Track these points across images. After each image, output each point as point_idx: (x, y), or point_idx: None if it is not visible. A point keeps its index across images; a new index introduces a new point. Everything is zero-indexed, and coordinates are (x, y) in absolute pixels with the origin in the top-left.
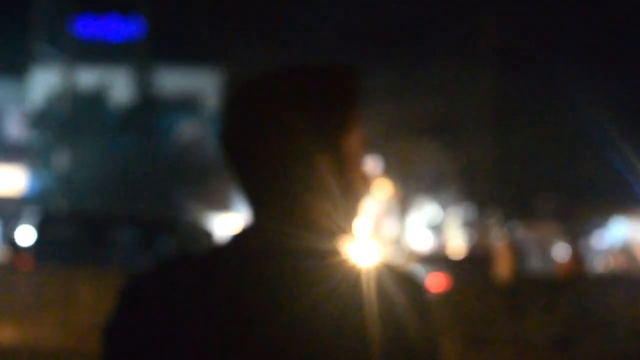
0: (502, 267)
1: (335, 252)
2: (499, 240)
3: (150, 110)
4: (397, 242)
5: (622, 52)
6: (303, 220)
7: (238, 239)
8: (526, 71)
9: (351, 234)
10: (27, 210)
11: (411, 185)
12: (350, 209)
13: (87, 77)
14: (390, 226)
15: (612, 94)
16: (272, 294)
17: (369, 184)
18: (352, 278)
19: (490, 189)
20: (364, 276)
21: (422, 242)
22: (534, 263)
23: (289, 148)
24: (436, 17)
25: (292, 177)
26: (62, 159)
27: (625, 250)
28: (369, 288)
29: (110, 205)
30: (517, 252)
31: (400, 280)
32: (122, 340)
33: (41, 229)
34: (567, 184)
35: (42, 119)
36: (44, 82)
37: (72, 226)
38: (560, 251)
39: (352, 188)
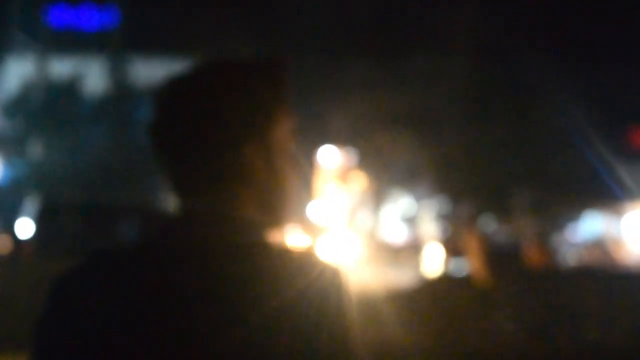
0: (474, 261)
1: (262, 245)
2: (469, 234)
3: (124, 100)
4: (371, 234)
5: (598, 47)
6: (230, 210)
7: (166, 230)
8: (501, 64)
9: (278, 225)
10: (24, 201)
11: (385, 177)
12: (278, 198)
13: (61, 67)
14: (364, 218)
15: (587, 88)
16: (201, 287)
17: (298, 174)
18: (279, 270)
19: (464, 182)
20: (289, 266)
21: (396, 234)
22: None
23: (217, 138)
24: (412, 8)
25: (220, 166)
26: (35, 148)
27: (599, 244)
28: (291, 278)
29: (92, 194)
30: (488, 245)
31: (319, 266)
32: (49, 335)
33: (41, 220)
34: (541, 177)
35: (16, 108)
36: (17, 71)
37: (72, 217)
38: (528, 245)
39: (280, 178)
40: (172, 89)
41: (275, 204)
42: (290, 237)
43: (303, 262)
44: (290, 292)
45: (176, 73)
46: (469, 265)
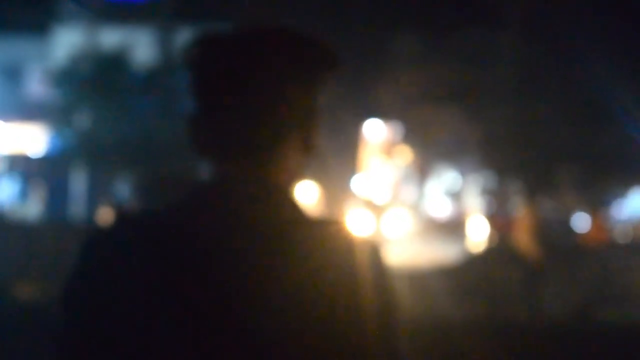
0: (522, 237)
1: (302, 219)
2: (518, 209)
3: (172, 71)
4: (415, 208)
5: None
6: (266, 175)
7: (201, 195)
8: (550, 39)
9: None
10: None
11: (431, 152)
12: (302, 168)
13: (111, 37)
14: (408, 193)
15: (635, 65)
16: (242, 257)
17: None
18: (334, 246)
19: (511, 157)
20: (328, 241)
21: (441, 209)
22: (554, 233)
23: (257, 102)
24: None
25: (258, 131)
26: (84, 119)
27: None
28: (347, 256)
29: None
30: (538, 221)
31: (357, 241)
32: (80, 293)
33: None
34: (589, 154)
35: (65, 78)
36: (67, 41)
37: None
38: (581, 221)
39: (311, 147)
40: (213, 48)
41: (300, 173)
42: (341, 213)
43: (343, 238)
44: (331, 268)
45: (212, 32)
46: (517, 240)
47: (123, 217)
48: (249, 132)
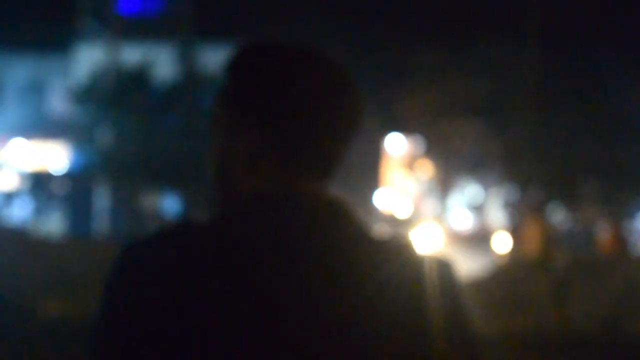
0: (536, 246)
1: (372, 238)
2: (532, 219)
3: (193, 88)
4: (438, 222)
5: None
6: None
7: (258, 211)
8: (571, 54)
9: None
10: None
11: (453, 165)
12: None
13: (131, 54)
14: (430, 206)
15: None
16: (309, 278)
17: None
18: (406, 264)
19: (533, 170)
20: (415, 263)
21: (463, 222)
22: (576, 244)
23: (335, 129)
24: None
25: (330, 156)
26: (105, 136)
27: None
28: (421, 275)
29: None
30: (548, 228)
31: (436, 264)
32: (123, 298)
33: None
34: (610, 166)
35: (86, 95)
36: (88, 58)
37: None
38: (602, 233)
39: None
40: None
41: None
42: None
43: (414, 256)
44: (405, 288)
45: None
46: (530, 250)
47: (176, 230)
48: (313, 148)
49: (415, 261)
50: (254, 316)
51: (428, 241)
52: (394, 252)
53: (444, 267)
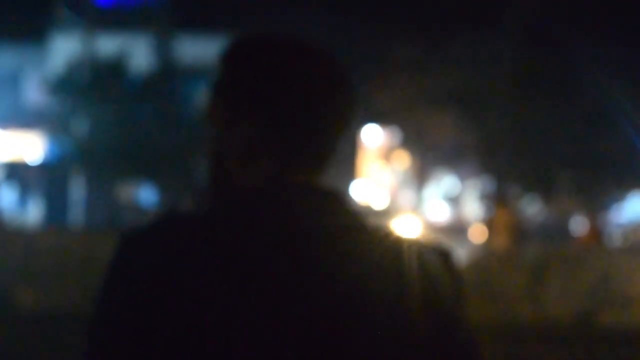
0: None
1: (370, 227)
2: (500, 209)
3: (170, 78)
4: (414, 213)
5: None
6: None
7: (253, 201)
8: (548, 45)
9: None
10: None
11: (429, 157)
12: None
13: (107, 45)
14: (407, 197)
15: (633, 70)
16: (301, 267)
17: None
18: (391, 252)
19: (509, 162)
20: (402, 250)
21: (439, 213)
22: (552, 236)
23: (329, 121)
24: None
25: (324, 147)
26: (81, 126)
27: None
28: (409, 262)
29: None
30: (518, 220)
31: (433, 251)
32: (115, 293)
33: None
34: (586, 159)
35: (62, 85)
36: (64, 49)
37: None
38: (578, 224)
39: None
40: (290, 62)
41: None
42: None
43: (411, 245)
44: (404, 278)
45: (283, 39)
46: (501, 242)
47: (169, 216)
48: (311, 141)
49: (415, 250)
50: (252, 306)
51: (405, 232)
52: (393, 241)
53: (443, 256)
